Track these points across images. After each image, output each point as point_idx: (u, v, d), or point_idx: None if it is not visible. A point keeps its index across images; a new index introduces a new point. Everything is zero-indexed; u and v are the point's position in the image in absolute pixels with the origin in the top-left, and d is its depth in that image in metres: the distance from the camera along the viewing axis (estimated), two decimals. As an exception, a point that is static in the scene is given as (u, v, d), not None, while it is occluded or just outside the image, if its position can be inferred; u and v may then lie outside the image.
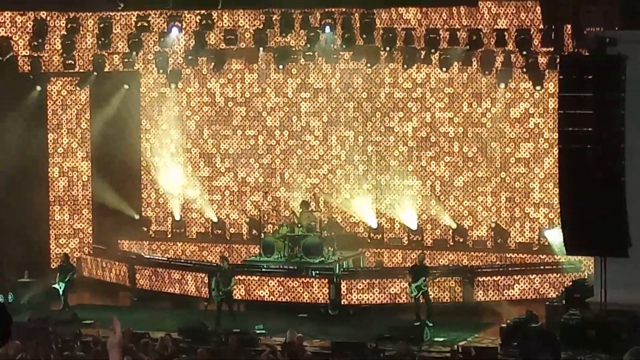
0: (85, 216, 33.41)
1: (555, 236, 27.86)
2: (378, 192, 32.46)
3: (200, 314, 27.72)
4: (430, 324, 26.22)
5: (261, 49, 30.70)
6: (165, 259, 31.38)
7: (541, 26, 27.58)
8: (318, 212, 30.94)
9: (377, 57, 30.28)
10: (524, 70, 28.90)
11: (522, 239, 30.95)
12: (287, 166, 33.19)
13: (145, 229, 33.70)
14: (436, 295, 27.78)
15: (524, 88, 30.41)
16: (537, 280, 28.61)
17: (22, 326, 25.04)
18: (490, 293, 28.43)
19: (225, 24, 30.31)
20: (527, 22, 28.01)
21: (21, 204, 31.38)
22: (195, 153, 34.00)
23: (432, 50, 29.11)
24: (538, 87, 29.36)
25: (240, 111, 33.48)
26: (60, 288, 28.84)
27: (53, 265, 31.55)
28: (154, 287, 30.12)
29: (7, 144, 31.25)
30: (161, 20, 30.28)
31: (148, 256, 31.47)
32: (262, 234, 31.22)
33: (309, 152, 32.99)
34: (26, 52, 30.63)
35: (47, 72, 31.73)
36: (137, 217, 33.69)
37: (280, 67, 31.81)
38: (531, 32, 27.84)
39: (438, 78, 31.31)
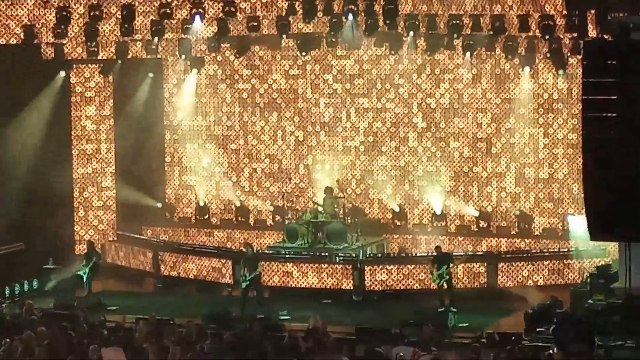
0: (110, 203, 33.55)
1: (578, 223, 27.86)
2: (402, 179, 32.53)
3: (224, 299, 27.84)
4: (454, 310, 26.28)
5: (284, 35, 30.75)
6: (189, 245, 31.46)
7: (565, 12, 27.55)
8: (341, 198, 30.99)
9: (400, 43, 30.28)
10: (548, 55, 28.89)
11: (546, 225, 30.96)
12: (311, 153, 33.28)
13: (169, 216, 33.86)
14: (460, 281, 27.84)
15: (545, 77, 30.48)
16: (561, 266, 28.65)
17: (48, 313, 25.27)
18: (514, 279, 28.47)
19: (248, 10, 30.34)
20: (551, 7, 27.99)
21: (45, 190, 31.49)
22: (219, 140, 34.12)
23: (455, 36, 29.11)
24: (561, 72, 29.36)
25: (265, 98, 33.59)
26: (85, 275, 28.94)
27: (78, 251, 31.72)
28: (178, 273, 30.26)
29: (32, 130, 31.42)
30: (183, 6, 30.32)
31: (172, 243, 31.57)
32: (286, 221, 31.34)
33: (333, 140, 33.06)
34: (49, 40, 30.74)
35: (70, 59, 31.88)
36: (159, 205, 33.84)
37: (304, 54, 31.91)
38: (555, 18, 27.81)
39: (457, 64, 31.37)
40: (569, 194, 30.57)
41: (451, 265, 27.26)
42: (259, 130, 33.72)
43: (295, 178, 33.48)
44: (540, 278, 28.47)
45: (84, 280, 28.91)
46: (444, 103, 31.98)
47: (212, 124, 34.14)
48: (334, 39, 30.69)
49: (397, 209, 32.20)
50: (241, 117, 33.84)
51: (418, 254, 29.98)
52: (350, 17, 29.50)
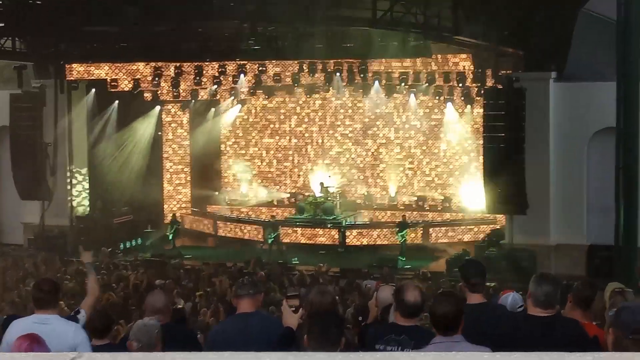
0: (186, 191, 33.63)
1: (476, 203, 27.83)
2: (369, 177, 32.53)
3: (258, 251, 27.83)
4: (403, 258, 26.27)
5: (296, 85, 30.79)
6: (236, 216, 31.45)
7: (472, 69, 27.59)
8: (331, 187, 30.92)
9: (369, 89, 30.31)
10: (462, 97, 28.89)
11: (460, 204, 30.79)
12: (312, 159, 33.28)
13: (224, 198, 33.86)
14: (408, 239, 27.68)
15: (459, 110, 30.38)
16: (468, 229, 28.66)
17: (147, 259, 25.36)
18: (440, 237, 28.49)
19: (274, 69, 30.40)
20: (464, 67, 28.02)
21: (146, 183, 31.62)
22: (255, 151, 34.13)
23: (404, 84, 29.13)
24: (469, 106, 29.25)
25: (284, 124, 33.57)
26: (170, 235, 29.02)
27: (166, 221, 31.83)
28: (229, 234, 30.29)
29: (139, 143, 31.57)
30: (233, 67, 30.37)
31: (225, 215, 31.60)
32: (297, 201, 31.32)
33: (327, 149, 33.04)
34: (149, 87, 30.81)
35: (162, 100, 31.95)
36: (217, 193, 33.80)
37: (308, 96, 31.92)
38: (466, 73, 27.85)
39: (405, 102, 31.28)
40: (474, 183, 30.33)
41: (407, 230, 27.17)
42: (280, 143, 33.68)
43: (303, 175, 33.43)
44: (456, 237, 28.48)
45: (170, 238, 29.01)
46: (398, 126, 31.89)
47: (250, 141, 34.10)
48: (328, 87, 30.76)
49: (366, 194, 32.14)
50: (268, 135, 33.81)
51: (379, 222, 29.95)
52: (338, 74, 29.54)
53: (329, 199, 30.04)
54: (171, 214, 30.96)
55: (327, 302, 6.60)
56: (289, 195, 32.91)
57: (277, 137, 33.69)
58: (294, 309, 6.30)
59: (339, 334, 5.28)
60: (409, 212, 30.76)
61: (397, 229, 27.20)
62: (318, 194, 30.42)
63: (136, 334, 6.04)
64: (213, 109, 33.36)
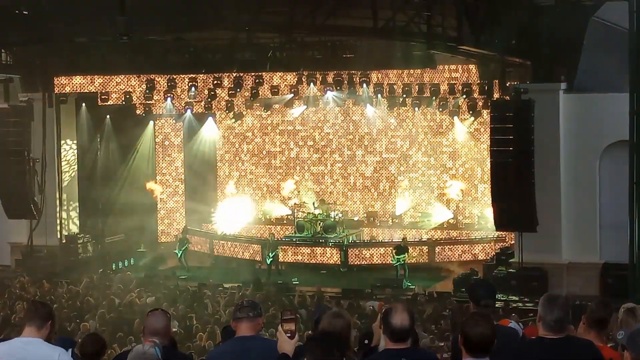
0: (181, 208, 33.59)
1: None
2: (372, 193, 32.42)
3: (256, 271, 27.73)
4: (405, 283, 26.03)
5: (294, 97, 30.81)
6: (232, 235, 31.30)
7: (478, 81, 27.64)
8: (332, 204, 30.79)
9: (372, 102, 30.30)
10: (468, 109, 28.87)
11: (467, 221, 30.71)
12: (313, 175, 33.18)
13: (219, 216, 33.60)
14: (411, 258, 27.55)
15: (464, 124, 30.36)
16: (477, 248, 28.62)
17: (141, 278, 25.34)
18: (446, 257, 28.43)
19: (270, 82, 30.43)
20: (469, 78, 28.05)
21: (139, 198, 31.59)
22: (251, 165, 33.99)
23: (406, 97, 29.15)
24: (476, 119, 29.25)
25: (281, 136, 33.46)
26: (179, 252, 28.95)
27: (160, 240, 31.79)
28: (225, 253, 30.20)
29: (132, 159, 31.71)
30: (229, 79, 30.35)
31: (221, 234, 31.49)
32: (297, 219, 31.21)
33: (327, 166, 32.90)
34: (141, 101, 30.85)
35: (155, 113, 31.97)
36: (212, 210, 33.59)
37: (306, 106, 31.78)
38: (472, 85, 27.88)
39: (408, 115, 31.25)
40: (482, 199, 30.30)
41: (406, 255, 26.84)
42: (278, 158, 33.53)
43: (302, 191, 33.23)
44: (463, 256, 28.40)
45: (178, 257, 28.92)
46: (402, 140, 31.72)
47: (247, 155, 33.92)
48: (327, 99, 30.78)
49: (369, 211, 31.93)
50: (266, 150, 33.69)
51: (381, 241, 29.83)
52: (338, 86, 29.43)
53: (330, 216, 29.94)
54: (183, 229, 30.76)
55: (339, 326, 6.52)
56: (289, 212, 32.74)
57: (275, 151, 33.55)
58: (289, 334, 6.24)
59: (340, 357, 5.29)
60: (415, 230, 30.73)
61: (394, 253, 26.77)
62: (318, 211, 30.27)
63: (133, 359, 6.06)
64: (208, 122, 33.28)
